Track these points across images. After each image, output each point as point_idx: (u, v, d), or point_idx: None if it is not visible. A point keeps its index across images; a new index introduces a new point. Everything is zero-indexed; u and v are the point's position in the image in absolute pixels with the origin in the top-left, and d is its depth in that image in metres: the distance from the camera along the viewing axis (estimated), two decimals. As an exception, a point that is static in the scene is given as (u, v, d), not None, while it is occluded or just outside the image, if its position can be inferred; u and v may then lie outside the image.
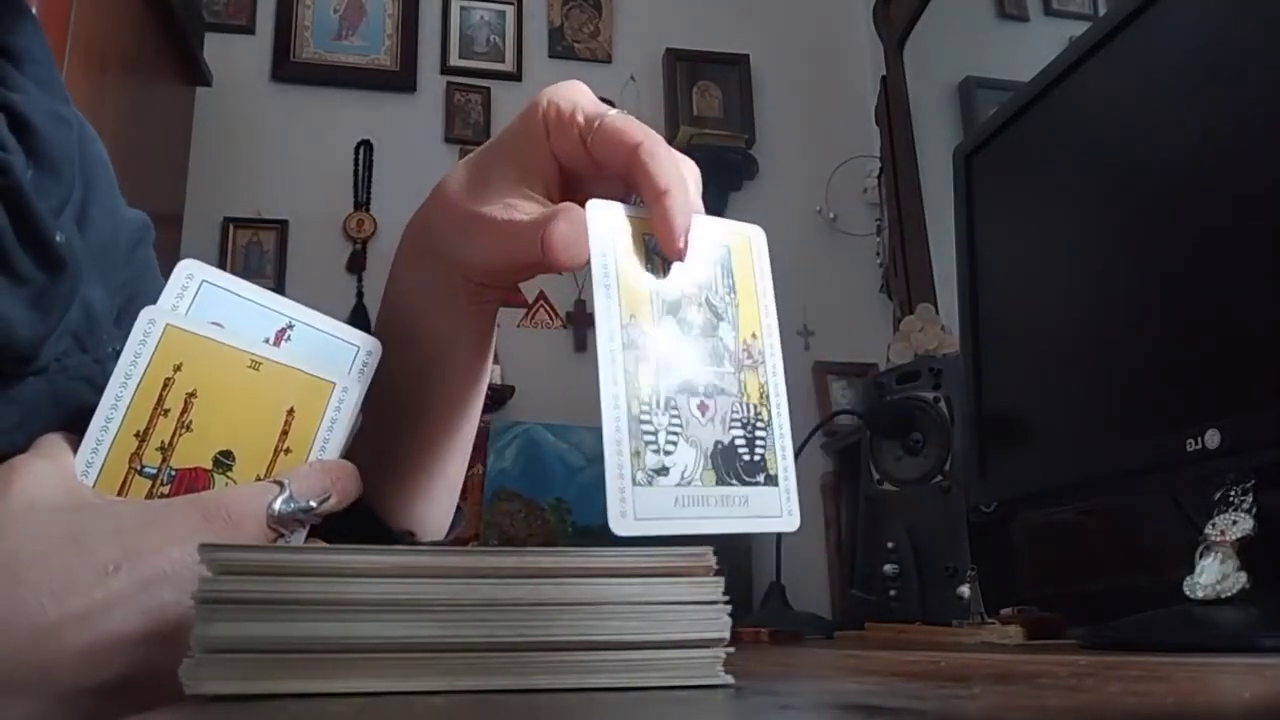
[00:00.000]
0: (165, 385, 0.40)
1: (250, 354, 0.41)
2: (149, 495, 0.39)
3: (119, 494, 0.39)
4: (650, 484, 0.37)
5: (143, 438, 0.39)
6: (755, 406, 0.39)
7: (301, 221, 2.34)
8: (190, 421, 0.40)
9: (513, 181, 0.43)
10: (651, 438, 0.37)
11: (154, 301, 0.41)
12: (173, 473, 0.40)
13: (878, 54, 2.47)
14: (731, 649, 0.34)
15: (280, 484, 0.40)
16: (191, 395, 0.40)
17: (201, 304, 0.42)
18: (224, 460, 0.41)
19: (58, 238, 0.45)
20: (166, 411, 0.40)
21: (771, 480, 0.39)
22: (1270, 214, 0.68)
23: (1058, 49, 0.98)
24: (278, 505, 0.39)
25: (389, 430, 0.53)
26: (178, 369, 0.40)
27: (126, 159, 1.84)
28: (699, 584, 0.35)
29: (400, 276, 0.51)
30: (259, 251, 2.30)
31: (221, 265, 2.31)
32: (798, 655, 0.80)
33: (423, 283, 0.49)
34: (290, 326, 0.43)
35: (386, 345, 0.50)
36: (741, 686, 0.34)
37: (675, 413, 0.38)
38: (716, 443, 0.38)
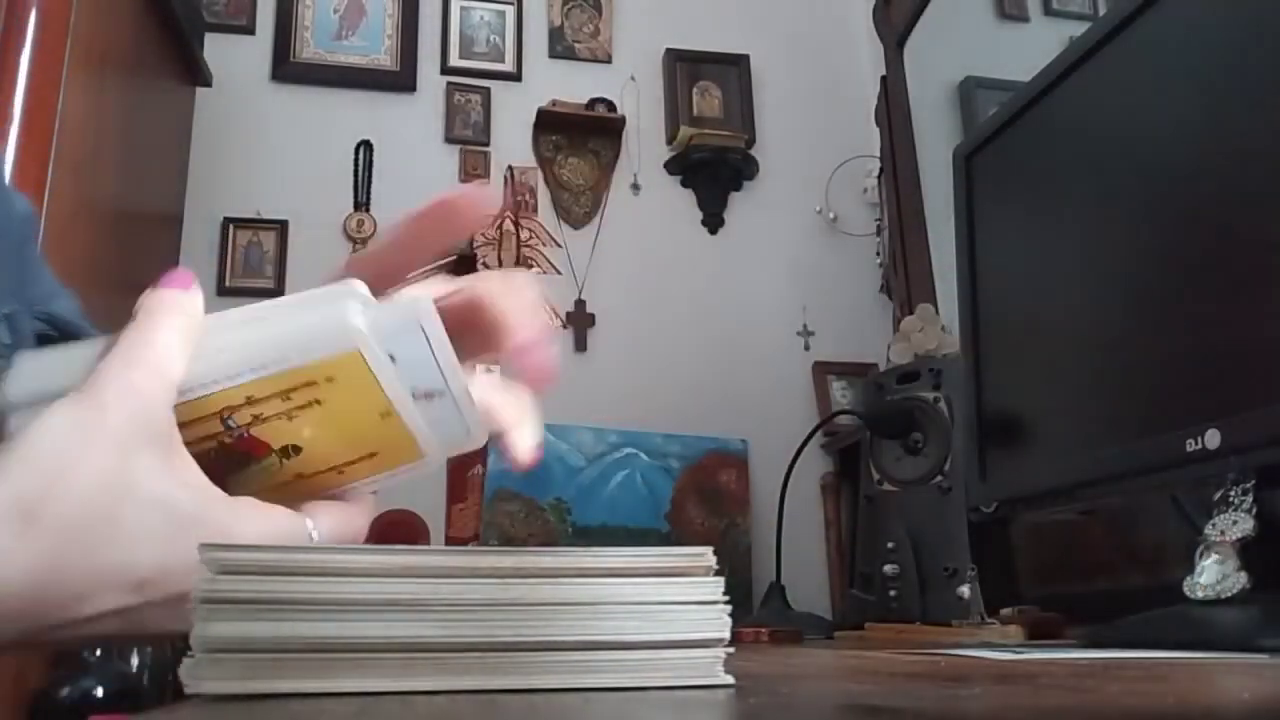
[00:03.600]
0: (308, 385, 0.39)
1: (390, 403, 0.41)
2: (212, 438, 0.39)
3: (196, 422, 0.38)
4: None
5: (252, 402, 0.39)
6: None
7: (301, 221, 2.33)
8: (295, 416, 0.40)
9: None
10: None
11: (43, 298, 0.40)
12: (244, 434, 0.39)
13: (878, 54, 2.47)
14: (731, 649, 0.34)
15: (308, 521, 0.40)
16: (316, 403, 0.40)
17: (399, 337, 0.41)
18: (291, 451, 0.41)
19: None
20: (288, 397, 0.39)
21: None
22: (1270, 214, 0.68)
23: (1058, 49, 0.98)
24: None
25: None
26: (329, 380, 0.39)
27: (126, 159, 1.84)
28: (699, 584, 0.35)
29: None
30: (259, 251, 2.30)
31: (221, 265, 2.32)
32: (798, 655, 0.80)
33: None
34: (440, 394, 0.42)
35: None
36: (741, 686, 0.34)
37: None
38: None
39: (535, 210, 2.47)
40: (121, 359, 0.36)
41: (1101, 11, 1.65)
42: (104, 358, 0.36)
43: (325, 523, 0.41)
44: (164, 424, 0.36)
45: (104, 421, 0.34)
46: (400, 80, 2.49)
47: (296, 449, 0.41)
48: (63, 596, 0.34)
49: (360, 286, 0.41)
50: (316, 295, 0.41)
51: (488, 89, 2.52)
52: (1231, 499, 0.71)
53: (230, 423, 0.39)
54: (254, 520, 0.39)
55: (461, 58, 2.55)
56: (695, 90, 2.61)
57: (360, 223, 2.36)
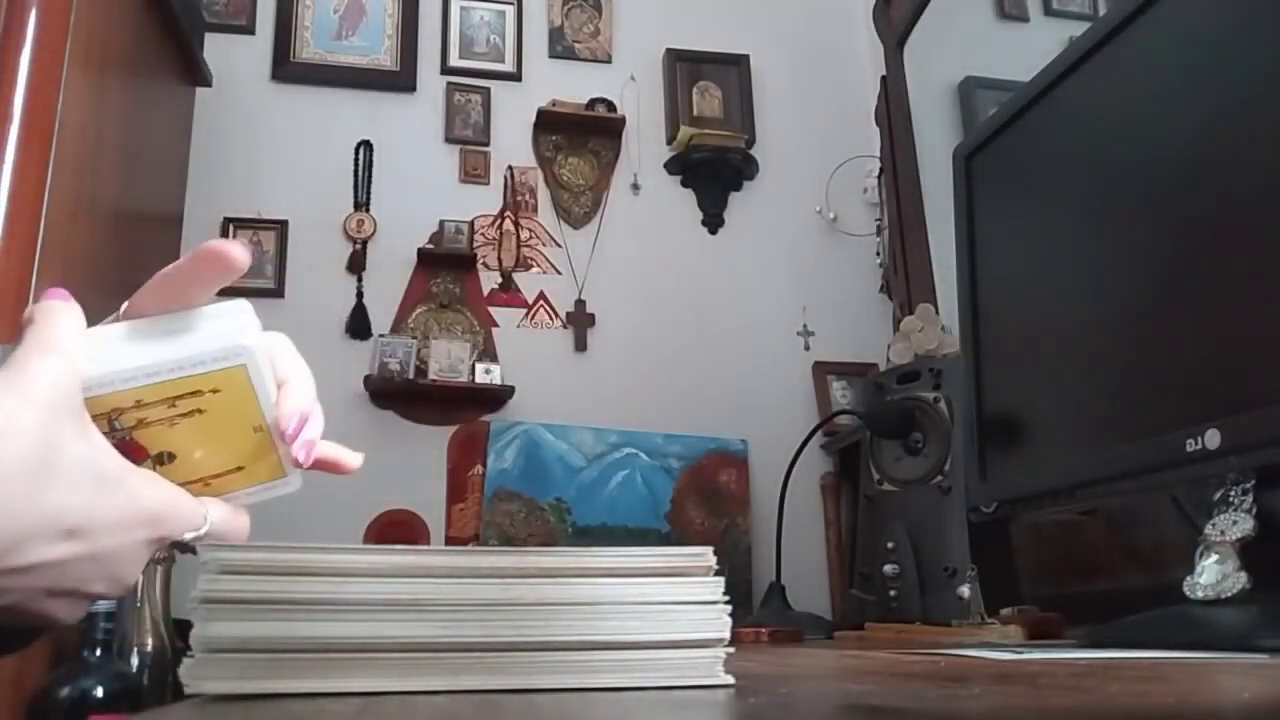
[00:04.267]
0: (194, 394, 0.42)
1: (264, 419, 0.44)
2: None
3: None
4: None
5: (140, 405, 0.41)
6: None
7: (301, 221, 2.33)
8: (176, 423, 0.42)
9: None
10: None
11: None
12: (126, 437, 0.42)
13: (878, 54, 2.47)
14: (731, 649, 0.34)
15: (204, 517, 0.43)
16: (199, 411, 0.42)
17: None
18: (166, 458, 0.43)
19: None
20: (174, 404, 0.42)
21: None
22: (1269, 214, 0.68)
23: (1058, 49, 0.98)
24: (189, 536, 0.42)
25: None
26: (214, 391, 0.42)
27: (127, 159, 1.84)
28: (699, 584, 0.35)
29: None
30: (259, 252, 2.30)
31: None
32: (798, 655, 0.80)
33: None
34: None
35: None
36: (741, 686, 0.34)
37: None
38: None
39: (535, 210, 2.47)
40: (31, 349, 0.40)
41: (1101, 11, 1.65)
42: (13, 352, 0.40)
43: (216, 513, 0.44)
44: (78, 400, 0.40)
45: (32, 391, 0.38)
46: (400, 80, 2.49)
47: (171, 456, 0.43)
48: (4, 540, 0.36)
49: (246, 306, 0.45)
50: (208, 312, 0.44)
51: (488, 89, 2.52)
52: (1231, 499, 0.71)
53: (117, 424, 0.42)
54: (161, 488, 0.42)
55: (461, 58, 2.55)
56: (695, 90, 2.60)
57: (360, 222, 2.36)
